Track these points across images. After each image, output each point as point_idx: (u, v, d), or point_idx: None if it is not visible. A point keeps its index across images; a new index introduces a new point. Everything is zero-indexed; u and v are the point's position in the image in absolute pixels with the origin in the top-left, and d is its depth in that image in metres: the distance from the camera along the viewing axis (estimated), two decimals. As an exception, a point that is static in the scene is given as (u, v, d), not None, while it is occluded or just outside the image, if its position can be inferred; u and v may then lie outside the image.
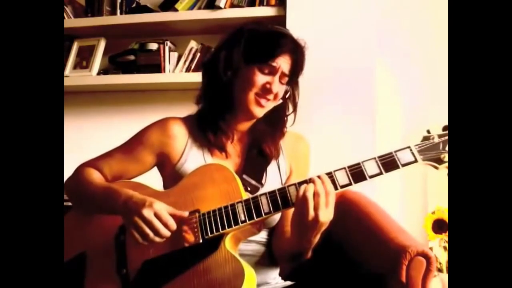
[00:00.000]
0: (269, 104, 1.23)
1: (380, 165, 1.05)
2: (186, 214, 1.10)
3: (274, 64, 1.19)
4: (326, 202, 1.02)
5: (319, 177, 1.05)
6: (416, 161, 1.05)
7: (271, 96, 1.21)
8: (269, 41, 1.21)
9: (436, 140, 1.05)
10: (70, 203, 1.29)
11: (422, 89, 2.04)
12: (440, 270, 1.82)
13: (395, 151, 1.05)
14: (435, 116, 1.91)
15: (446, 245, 1.85)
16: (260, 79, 1.20)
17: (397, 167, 1.04)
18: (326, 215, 1.03)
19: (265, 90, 1.20)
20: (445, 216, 1.83)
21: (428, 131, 1.07)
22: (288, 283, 1.30)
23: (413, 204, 2.02)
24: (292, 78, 1.24)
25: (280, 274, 1.34)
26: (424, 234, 1.86)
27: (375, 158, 1.05)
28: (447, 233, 1.82)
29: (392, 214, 1.42)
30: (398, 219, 1.41)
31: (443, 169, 1.05)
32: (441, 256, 1.84)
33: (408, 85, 2.06)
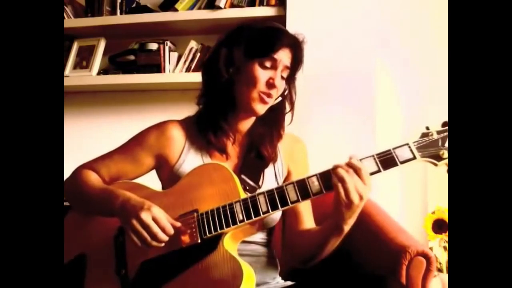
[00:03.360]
0: (271, 101, 1.23)
1: (378, 162, 1.03)
2: (178, 224, 1.10)
3: (275, 56, 1.19)
4: (354, 187, 1.01)
5: (346, 164, 1.03)
6: (414, 158, 1.03)
7: (274, 92, 1.21)
8: (268, 36, 1.21)
9: (435, 136, 1.04)
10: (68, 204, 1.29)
11: (422, 89, 2.04)
12: (440, 270, 1.82)
13: (393, 148, 1.04)
14: (435, 116, 1.90)
15: (446, 245, 1.85)
16: (262, 74, 1.19)
17: (395, 164, 1.03)
18: (357, 196, 1.02)
19: (269, 86, 1.20)
20: (445, 216, 1.83)
21: (427, 128, 1.05)
22: (289, 283, 1.30)
23: (413, 204, 2.02)
24: (292, 72, 1.24)
25: (280, 274, 1.34)
26: (424, 234, 1.86)
27: (373, 156, 1.04)
28: (447, 233, 1.82)
29: (392, 214, 1.42)
30: (398, 219, 1.41)
31: (442, 166, 1.03)
32: (441, 256, 1.84)
33: (407, 85, 2.06)
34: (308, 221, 1.29)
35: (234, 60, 1.21)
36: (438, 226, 1.85)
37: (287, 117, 1.32)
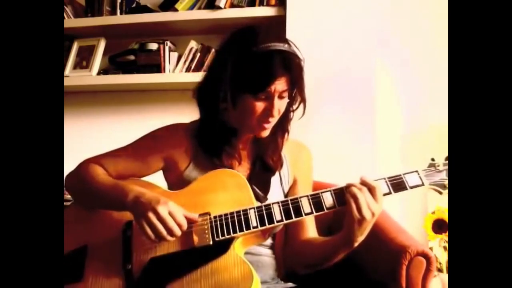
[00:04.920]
0: (271, 125, 1.20)
1: (389, 185, 1.10)
2: (196, 216, 1.10)
3: (268, 89, 1.13)
4: (366, 204, 1.06)
5: (360, 183, 1.08)
6: (423, 184, 1.11)
7: (273, 119, 1.18)
8: (258, 71, 1.12)
9: (441, 168, 1.13)
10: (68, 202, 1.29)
11: (422, 89, 2.04)
12: (440, 270, 1.82)
13: (404, 174, 1.11)
14: (435, 116, 1.91)
15: (446, 245, 1.85)
16: (258, 105, 1.15)
17: (405, 188, 1.11)
18: (369, 213, 1.06)
19: (266, 115, 1.16)
20: (445, 216, 1.83)
21: (433, 159, 1.14)
22: (290, 284, 1.30)
23: (413, 204, 2.02)
24: (293, 89, 1.19)
25: (278, 276, 1.34)
26: (424, 234, 1.86)
27: (384, 179, 1.11)
28: (447, 233, 1.82)
29: (392, 214, 1.42)
30: (398, 219, 1.40)
31: (446, 195, 1.11)
32: (441, 256, 1.84)
33: (407, 85, 2.06)
34: (311, 230, 1.30)
35: (226, 94, 1.16)
36: (438, 226, 1.85)
37: (299, 111, 1.27)
